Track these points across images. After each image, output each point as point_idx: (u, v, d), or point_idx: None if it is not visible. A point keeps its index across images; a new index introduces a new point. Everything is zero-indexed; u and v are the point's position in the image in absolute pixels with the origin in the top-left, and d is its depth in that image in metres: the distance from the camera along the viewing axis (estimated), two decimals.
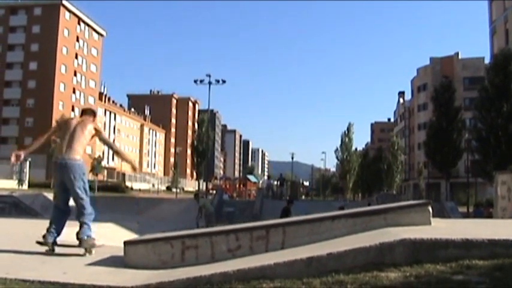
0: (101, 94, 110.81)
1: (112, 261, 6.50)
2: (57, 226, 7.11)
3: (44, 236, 6.96)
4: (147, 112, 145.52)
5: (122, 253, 6.46)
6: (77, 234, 6.95)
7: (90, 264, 6.30)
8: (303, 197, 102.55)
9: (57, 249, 7.06)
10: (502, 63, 37.70)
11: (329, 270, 4.75)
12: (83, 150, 7.21)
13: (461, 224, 7.33)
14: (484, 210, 23.61)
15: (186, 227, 25.50)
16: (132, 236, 13.88)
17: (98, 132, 7.49)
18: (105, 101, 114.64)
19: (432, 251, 4.72)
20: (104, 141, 7.88)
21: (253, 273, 4.86)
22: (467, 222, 8.00)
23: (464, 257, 4.65)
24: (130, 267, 6.02)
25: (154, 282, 5.02)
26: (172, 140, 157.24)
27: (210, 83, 56.40)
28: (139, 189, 73.02)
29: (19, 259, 6.59)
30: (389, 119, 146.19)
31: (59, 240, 7.13)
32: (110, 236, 12.95)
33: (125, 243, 6.44)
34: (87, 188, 7.33)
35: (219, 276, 4.90)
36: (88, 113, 7.70)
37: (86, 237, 6.93)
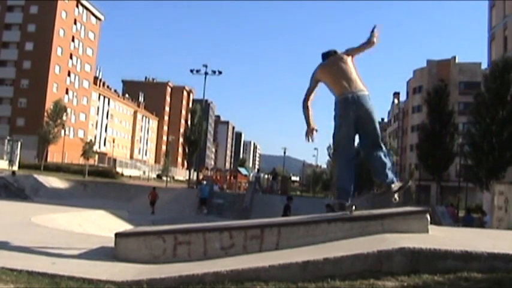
0: (96, 78, 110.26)
1: (102, 253, 6.40)
2: (349, 183, 6.46)
3: (339, 206, 6.35)
4: (141, 99, 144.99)
5: (112, 244, 6.36)
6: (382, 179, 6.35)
7: (80, 255, 6.20)
8: (297, 192, 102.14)
9: (49, 236, 6.93)
10: (501, 70, 37.59)
11: (325, 275, 4.65)
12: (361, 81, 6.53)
13: (459, 233, 7.24)
14: (478, 218, 23.54)
15: (176, 216, 25.55)
16: (123, 224, 13.80)
17: (351, 52, 6.76)
18: (99, 86, 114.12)
19: (431, 261, 4.63)
20: (360, 50, 6.78)
21: (247, 274, 4.76)
22: (465, 232, 7.91)
23: (463, 269, 4.56)
24: (120, 260, 5.93)
25: (145, 278, 4.89)
26: (165, 128, 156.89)
27: (206, 73, 56.11)
28: (130, 176, 72.74)
29: (7, 246, 6.47)
30: (382, 119, 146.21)
31: None
32: (101, 224, 12.88)
33: (116, 235, 6.33)
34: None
35: (212, 275, 4.79)
36: (331, 54, 6.83)
37: (390, 182, 6.42)
